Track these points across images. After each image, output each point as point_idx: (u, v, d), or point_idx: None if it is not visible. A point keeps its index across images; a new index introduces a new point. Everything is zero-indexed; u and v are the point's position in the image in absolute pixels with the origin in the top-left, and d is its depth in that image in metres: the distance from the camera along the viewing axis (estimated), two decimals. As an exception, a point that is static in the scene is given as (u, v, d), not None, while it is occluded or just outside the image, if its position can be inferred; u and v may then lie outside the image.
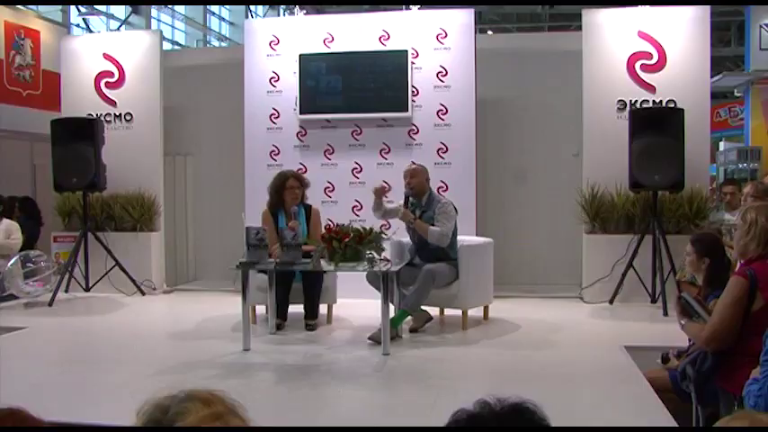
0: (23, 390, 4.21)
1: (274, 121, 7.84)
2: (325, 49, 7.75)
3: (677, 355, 3.97)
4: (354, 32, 7.78)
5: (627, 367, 4.67)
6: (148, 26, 16.48)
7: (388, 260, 5.58)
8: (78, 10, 14.55)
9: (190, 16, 19.54)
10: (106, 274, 7.82)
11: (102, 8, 15.76)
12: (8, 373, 4.53)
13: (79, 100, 8.43)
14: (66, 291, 7.73)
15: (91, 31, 14.34)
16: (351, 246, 5.26)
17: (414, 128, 7.62)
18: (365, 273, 5.67)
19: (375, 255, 5.37)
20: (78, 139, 7.77)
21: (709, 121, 7.85)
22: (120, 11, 16.66)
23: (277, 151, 7.82)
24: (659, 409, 3.70)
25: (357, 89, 7.61)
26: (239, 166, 7.93)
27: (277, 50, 7.88)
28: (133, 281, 7.83)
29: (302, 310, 6.18)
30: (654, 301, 6.85)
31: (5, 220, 7.77)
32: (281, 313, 6.13)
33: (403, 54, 7.53)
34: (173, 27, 19.42)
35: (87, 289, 7.95)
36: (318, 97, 7.67)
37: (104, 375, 4.87)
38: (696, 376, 3.57)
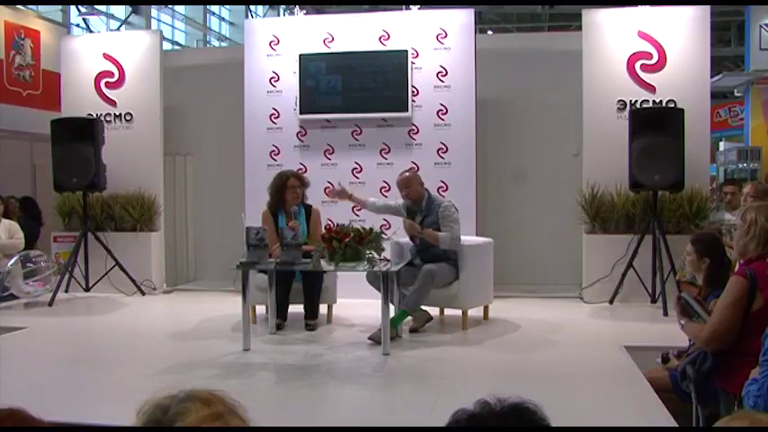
0: (23, 390, 4.21)
1: (274, 121, 7.84)
2: (325, 49, 7.75)
3: (677, 355, 3.97)
4: (354, 32, 7.78)
5: (627, 367, 4.67)
6: (148, 26, 16.48)
7: (388, 260, 5.58)
8: (78, 10, 14.55)
9: (190, 16, 19.55)
10: (106, 274, 7.83)
11: (102, 8, 15.76)
12: (8, 374, 4.52)
13: (79, 100, 8.43)
14: (67, 291, 7.73)
15: (91, 31, 14.34)
16: (351, 246, 5.26)
17: (414, 128, 7.61)
18: (365, 273, 5.67)
19: (375, 255, 5.36)
20: (78, 139, 7.78)
21: (710, 121, 7.85)
22: (120, 11, 16.67)
23: (277, 151, 7.82)
24: (659, 409, 3.70)
25: (357, 89, 7.61)
26: (239, 166, 7.93)
27: (277, 50, 7.88)
28: (133, 281, 7.83)
29: (302, 310, 6.18)
30: (654, 301, 6.85)
31: (5, 221, 7.77)
32: (281, 313, 6.13)
33: (403, 54, 7.53)
34: (173, 27, 19.42)
35: (87, 289, 7.95)
36: (318, 97, 7.67)
37: (104, 375, 4.88)
38: (696, 376, 3.57)
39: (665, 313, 6.32)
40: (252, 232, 5.44)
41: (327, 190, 6.24)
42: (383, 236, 5.50)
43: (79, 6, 14.61)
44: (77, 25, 14.66)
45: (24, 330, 6.16)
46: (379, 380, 4.78)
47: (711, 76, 8.16)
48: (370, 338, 5.46)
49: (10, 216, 8.16)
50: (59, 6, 12.85)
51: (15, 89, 10.83)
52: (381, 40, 7.69)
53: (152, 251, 8.18)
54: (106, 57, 8.40)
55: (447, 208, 5.97)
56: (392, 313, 5.44)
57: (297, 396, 4.35)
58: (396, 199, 6.35)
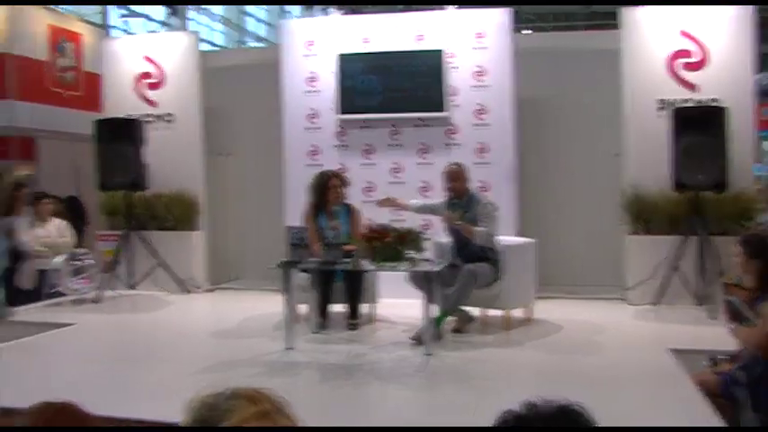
0: (64, 386, 4.28)
1: (313, 120, 7.86)
2: (361, 49, 7.74)
3: (727, 359, 3.88)
4: (390, 32, 7.76)
5: (673, 370, 4.59)
6: (186, 28, 16.66)
7: (429, 260, 5.56)
8: (119, 13, 14.77)
9: (227, 17, 19.72)
10: (150, 272, 7.93)
11: (141, 10, 15.99)
12: (56, 369, 4.60)
13: (120, 100, 8.54)
14: (112, 289, 7.83)
15: (130, 34, 14.54)
16: (391, 245, 5.25)
17: (452, 127, 7.57)
18: (406, 272, 5.66)
19: (416, 255, 5.34)
20: (121, 138, 7.90)
21: (755, 120, 7.67)
22: (158, 12, 16.88)
23: (316, 151, 7.84)
24: (707, 412, 3.63)
25: (394, 89, 7.58)
26: (278, 166, 7.96)
27: (313, 51, 7.90)
28: (176, 279, 7.90)
29: (344, 310, 6.19)
30: (699, 303, 6.69)
31: (56, 220, 7.86)
32: (323, 312, 6.14)
33: (439, 54, 7.48)
34: (210, 28, 19.61)
35: (131, 287, 8.06)
36: (356, 97, 7.66)
37: (147, 373, 4.93)
38: (748, 381, 3.48)
39: (711, 316, 6.18)
40: (293, 231, 5.46)
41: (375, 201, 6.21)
42: (423, 236, 5.48)
43: (119, 8, 14.82)
44: (116, 27, 14.86)
45: (73, 327, 6.28)
46: (421, 380, 4.78)
47: (757, 73, 7.97)
48: (412, 338, 5.46)
49: (60, 215, 8.27)
50: (98, 8, 13.03)
51: (58, 90, 11.01)
52: (417, 39, 7.66)
53: (194, 250, 8.26)
54: (146, 58, 8.51)
55: (486, 205, 5.96)
56: (434, 313, 5.42)
57: (340, 395, 4.37)
58: (435, 198, 6.32)
